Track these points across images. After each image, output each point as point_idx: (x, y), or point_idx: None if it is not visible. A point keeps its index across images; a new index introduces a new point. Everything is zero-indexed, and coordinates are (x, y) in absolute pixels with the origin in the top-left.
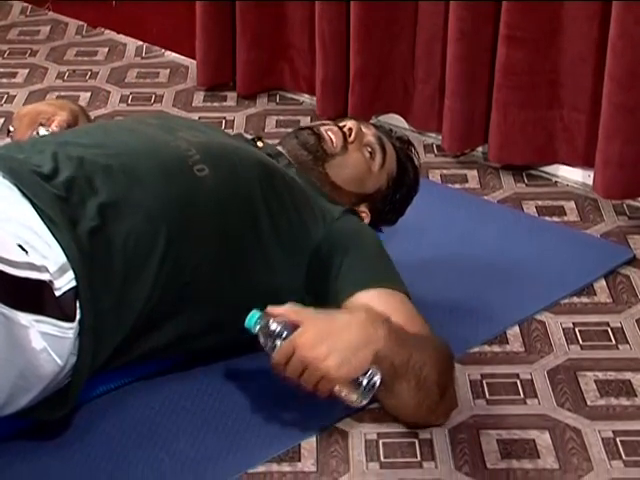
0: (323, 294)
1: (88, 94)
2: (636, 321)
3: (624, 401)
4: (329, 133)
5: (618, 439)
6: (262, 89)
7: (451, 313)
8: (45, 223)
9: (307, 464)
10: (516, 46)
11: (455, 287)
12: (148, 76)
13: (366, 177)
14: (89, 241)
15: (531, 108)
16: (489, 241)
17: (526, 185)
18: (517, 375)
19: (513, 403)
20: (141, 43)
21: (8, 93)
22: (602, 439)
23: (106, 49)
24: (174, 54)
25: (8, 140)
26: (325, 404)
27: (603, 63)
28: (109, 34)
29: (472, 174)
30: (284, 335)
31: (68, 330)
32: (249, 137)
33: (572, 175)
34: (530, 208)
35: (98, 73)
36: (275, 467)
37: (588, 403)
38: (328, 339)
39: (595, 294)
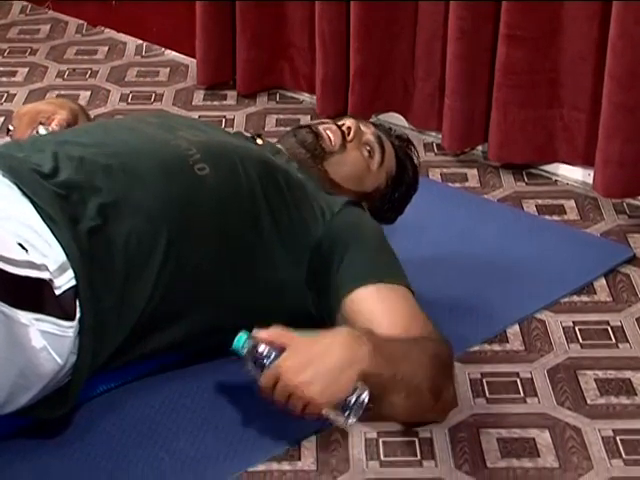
0: (325, 290)
1: (88, 93)
2: (636, 320)
3: (624, 400)
4: (327, 132)
5: (618, 438)
6: (262, 88)
7: (451, 312)
8: (45, 222)
9: (307, 463)
10: (516, 45)
11: (455, 286)
12: (148, 75)
13: (365, 176)
14: (89, 240)
15: (531, 107)
16: (489, 240)
17: (526, 184)
18: (517, 374)
19: (513, 402)
20: (141, 42)
21: (8, 92)
22: (602, 438)
23: (106, 48)
24: (174, 53)
25: (8, 139)
26: None
27: (603, 62)
28: (109, 33)
29: (472, 173)
30: (272, 357)
31: (68, 329)
32: (248, 135)
33: (572, 174)
34: (530, 207)
35: (98, 72)
36: (275, 466)
37: (588, 402)
38: (311, 365)
39: (595, 293)
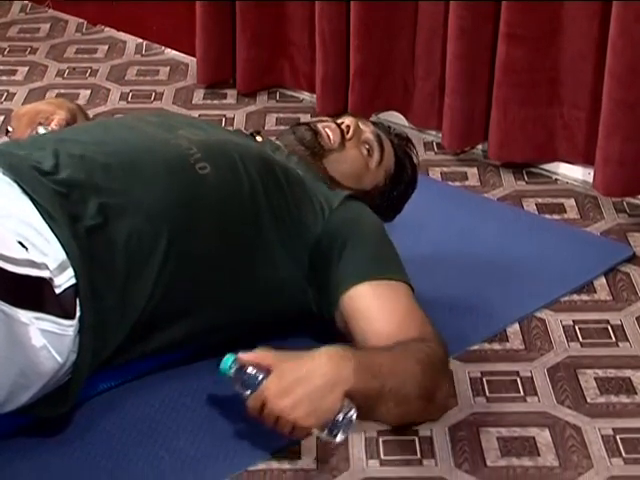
0: (324, 287)
1: (88, 92)
2: (636, 319)
3: (624, 399)
4: (326, 130)
5: (618, 437)
6: (262, 87)
7: (451, 311)
8: (45, 220)
9: (307, 462)
10: (516, 44)
11: (455, 285)
12: (148, 74)
13: (363, 174)
14: (89, 239)
15: (531, 106)
16: (489, 239)
17: (526, 183)
18: (517, 373)
19: (513, 401)
20: (141, 41)
21: (8, 91)
22: (602, 437)
23: (106, 47)
24: (174, 52)
25: (7, 140)
26: None
27: (603, 61)
28: (109, 32)
29: (472, 172)
30: (258, 379)
31: (68, 328)
32: (248, 132)
33: (572, 173)
34: (530, 206)
35: (98, 71)
36: (275, 465)
37: (588, 401)
38: (295, 388)
39: (595, 292)
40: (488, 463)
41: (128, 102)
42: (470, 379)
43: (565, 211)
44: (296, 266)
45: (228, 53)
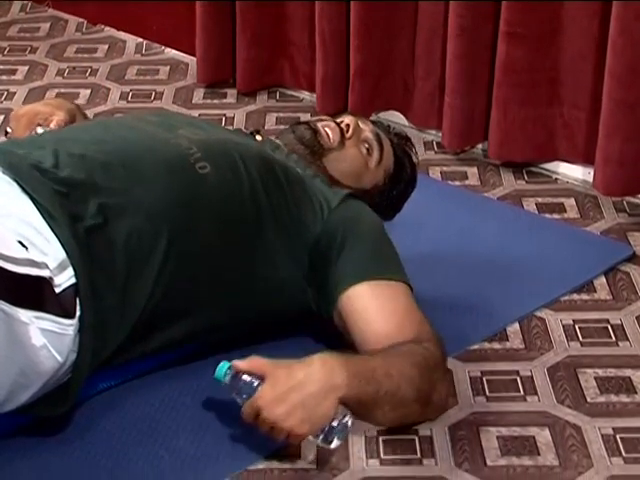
0: (323, 286)
1: (88, 91)
2: (636, 318)
3: (624, 398)
4: (326, 129)
5: (618, 436)
6: (262, 86)
7: (451, 310)
8: (44, 219)
9: (307, 461)
10: (516, 43)
11: (455, 284)
12: (148, 73)
13: (363, 173)
14: (89, 238)
15: (531, 105)
16: (489, 238)
17: (526, 182)
18: (517, 372)
19: (513, 400)
20: (141, 40)
21: (8, 90)
22: (602, 436)
23: (106, 46)
24: (174, 51)
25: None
26: None
27: (603, 60)
28: (109, 31)
29: (472, 171)
30: (253, 386)
31: (68, 327)
32: (248, 132)
33: (572, 172)
34: (530, 205)
35: (98, 70)
36: (275, 464)
37: (588, 400)
38: (289, 397)
39: (595, 291)
40: (488, 462)
41: (128, 101)
42: (470, 378)
43: (565, 210)
44: (296, 266)
45: (228, 53)
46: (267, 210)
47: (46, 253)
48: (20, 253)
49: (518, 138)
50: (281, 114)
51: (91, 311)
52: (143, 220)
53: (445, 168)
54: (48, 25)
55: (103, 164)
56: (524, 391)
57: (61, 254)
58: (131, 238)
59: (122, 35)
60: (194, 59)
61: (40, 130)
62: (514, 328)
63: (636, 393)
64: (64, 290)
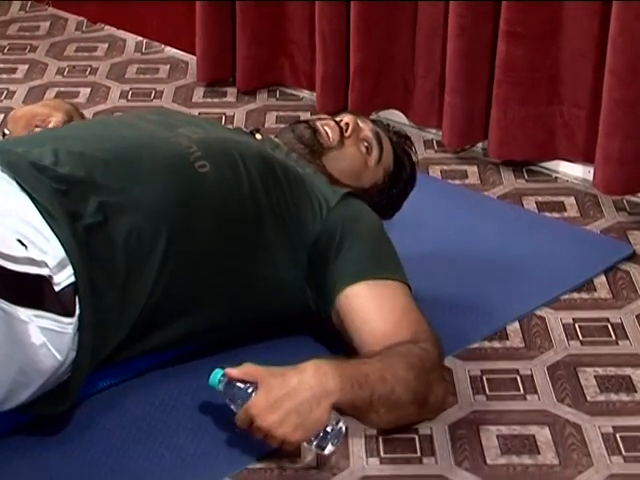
0: (322, 286)
1: (88, 90)
2: (636, 317)
3: (624, 397)
4: (325, 127)
5: (618, 435)
6: (262, 85)
7: (451, 309)
8: (44, 217)
9: (307, 460)
10: (516, 42)
11: (455, 283)
12: (148, 72)
13: (362, 172)
14: (89, 237)
15: (531, 104)
16: (489, 237)
17: (526, 181)
18: (517, 371)
19: (513, 399)
20: (141, 39)
21: (8, 89)
22: (602, 435)
23: (106, 45)
24: (174, 50)
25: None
26: None
27: (603, 59)
28: (109, 30)
29: (472, 170)
30: (247, 393)
31: (67, 325)
32: (247, 130)
33: (572, 171)
34: (530, 204)
35: (98, 69)
36: (275, 463)
37: (588, 399)
38: (281, 404)
39: (595, 290)
40: (488, 461)
41: (128, 100)
42: (470, 377)
43: (565, 209)
44: (296, 265)
45: (228, 51)
46: (267, 209)
47: (45, 252)
48: (19, 252)
49: (518, 137)
50: (281, 113)
51: (90, 309)
52: (142, 218)
53: (445, 167)
54: (48, 24)
55: (103, 162)
56: (524, 390)
57: (60, 252)
58: (131, 236)
59: (122, 34)
60: (194, 58)
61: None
62: (514, 327)
63: (636, 392)
64: (63, 288)
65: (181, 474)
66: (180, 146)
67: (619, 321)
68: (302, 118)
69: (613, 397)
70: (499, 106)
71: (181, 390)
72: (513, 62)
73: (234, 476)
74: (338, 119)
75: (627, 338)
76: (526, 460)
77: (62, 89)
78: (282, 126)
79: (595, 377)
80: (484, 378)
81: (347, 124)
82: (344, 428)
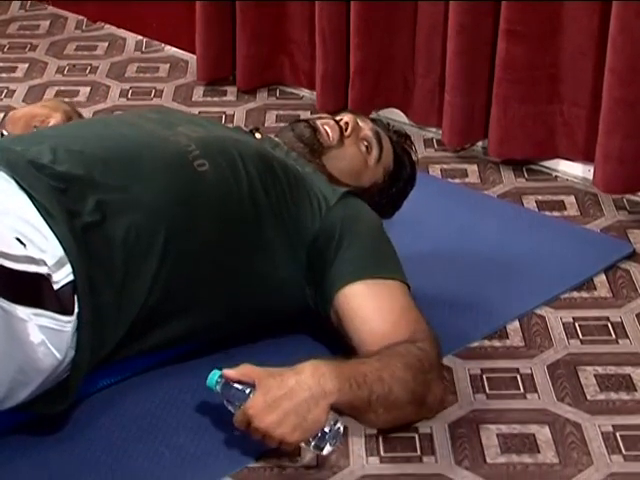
0: (320, 285)
1: (88, 89)
2: (636, 316)
3: (624, 396)
4: (325, 127)
5: (618, 433)
6: (262, 84)
7: (451, 308)
8: (42, 216)
9: (307, 459)
10: (516, 41)
11: (455, 282)
12: (148, 71)
13: (362, 171)
14: (87, 235)
15: (531, 103)
16: (489, 236)
17: (526, 180)
18: (517, 370)
19: (513, 398)
20: (141, 38)
21: (8, 87)
22: (602, 433)
23: (106, 44)
24: (174, 49)
25: None
26: None
27: (603, 58)
28: (109, 29)
29: (472, 169)
30: (245, 394)
31: (66, 324)
32: (247, 129)
33: (572, 170)
34: (530, 203)
35: (98, 68)
36: (275, 462)
37: (588, 398)
38: (278, 406)
39: (595, 289)
40: (488, 460)
41: (128, 99)
42: (470, 376)
43: (565, 208)
44: (295, 264)
45: (228, 50)
46: (266, 208)
47: (44, 250)
48: (18, 250)
49: (518, 136)
50: (281, 112)
51: (89, 308)
52: (141, 217)
53: (445, 166)
54: (48, 23)
55: (102, 160)
56: (524, 389)
57: (59, 251)
58: (129, 235)
59: (122, 33)
60: (194, 57)
61: None
62: (514, 326)
63: (636, 391)
64: (62, 287)
65: (181, 473)
66: (179, 145)
67: (619, 320)
68: (302, 117)
69: (613, 396)
70: (499, 105)
71: (181, 389)
72: (513, 61)
73: (234, 475)
74: (338, 118)
75: (627, 337)
76: (526, 459)
77: (62, 88)
78: (282, 125)
79: (595, 376)
80: (484, 377)
81: (347, 123)
82: (342, 428)
